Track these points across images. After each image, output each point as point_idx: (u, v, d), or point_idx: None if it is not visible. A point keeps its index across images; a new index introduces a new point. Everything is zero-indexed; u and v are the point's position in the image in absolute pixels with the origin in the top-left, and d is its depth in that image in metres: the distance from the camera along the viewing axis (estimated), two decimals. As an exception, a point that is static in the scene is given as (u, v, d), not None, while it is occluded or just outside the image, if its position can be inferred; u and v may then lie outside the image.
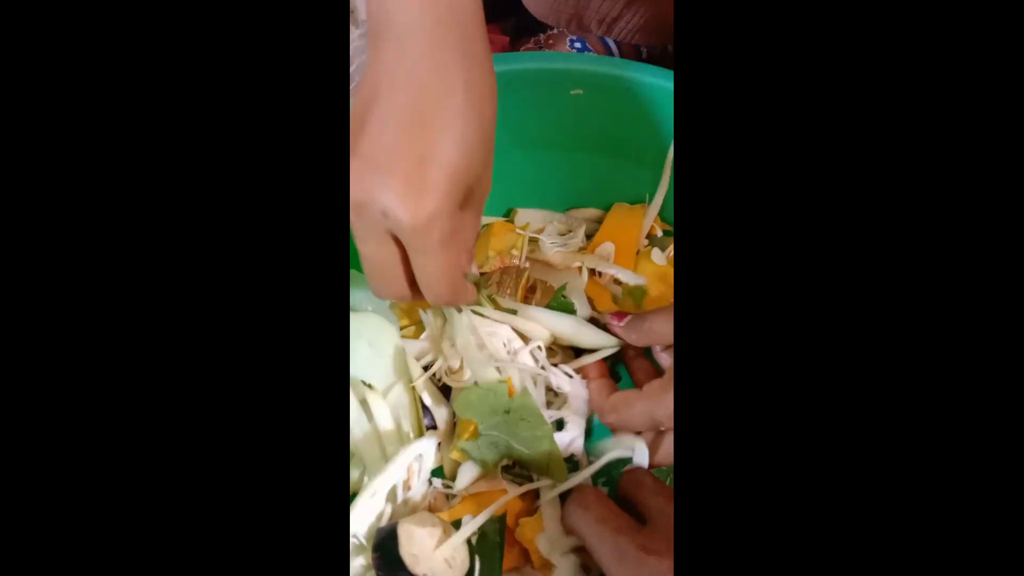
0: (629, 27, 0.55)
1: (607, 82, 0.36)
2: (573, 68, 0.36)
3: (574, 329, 0.37)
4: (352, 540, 0.32)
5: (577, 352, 0.38)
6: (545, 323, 0.38)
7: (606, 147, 0.41)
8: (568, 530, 0.29)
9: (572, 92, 0.37)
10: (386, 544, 0.30)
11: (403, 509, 0.33)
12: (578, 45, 0.56)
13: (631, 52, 0.57)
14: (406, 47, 0.22)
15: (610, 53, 0.57)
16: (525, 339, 0.38)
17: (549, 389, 0.37)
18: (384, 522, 0.33)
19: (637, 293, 0.41)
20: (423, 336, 0.39)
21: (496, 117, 0.25)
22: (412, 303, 0.38)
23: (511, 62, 0.36)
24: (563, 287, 0.40)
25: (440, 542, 0.31)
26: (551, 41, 0.58)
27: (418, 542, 0.30)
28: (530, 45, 0.58)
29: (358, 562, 0.32)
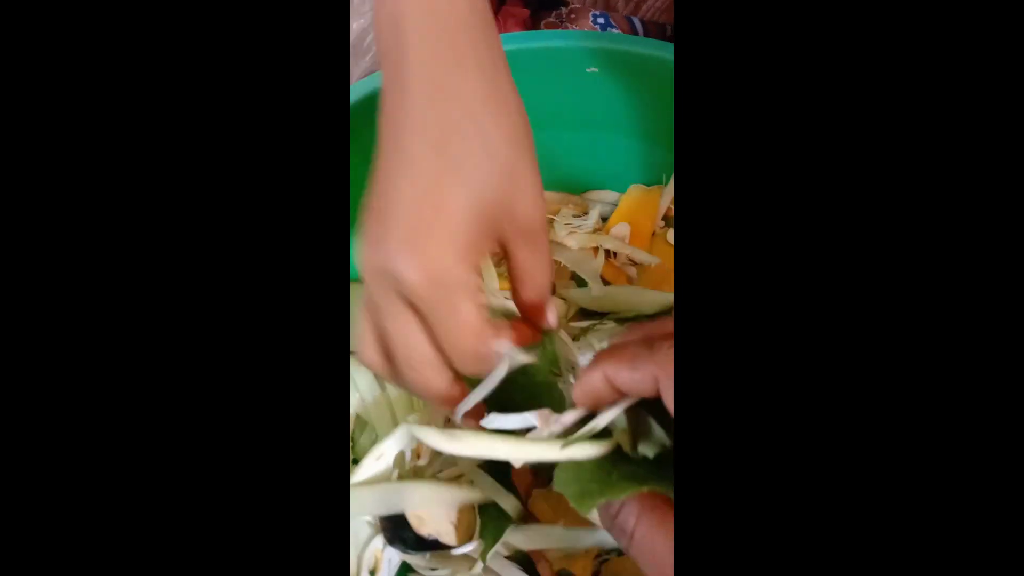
0: (657, 5, 0.54)
1: (622, 60, 0.36)
2: (589, 46, 0.36)
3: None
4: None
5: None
6: (571, 297, 0.39)
7: (622, 127, 0.41)
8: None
9: (588, 71, 0.37)
10: None
11: (409, 474, 0.35)
12: (601, 21, 0.55)
13: (656, 31, 0.56)
14: (410, 85, 0.21)
15: (635, 30, 0.56)
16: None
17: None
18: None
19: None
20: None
21: (528, 141, 0.23)
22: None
23: (525, 41, 0.36)
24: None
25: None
26: (573, 16, 0.58)
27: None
28: (552, 19, 0.58)
29: (369, 550, 0.33)
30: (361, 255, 0.22)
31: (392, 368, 0.24)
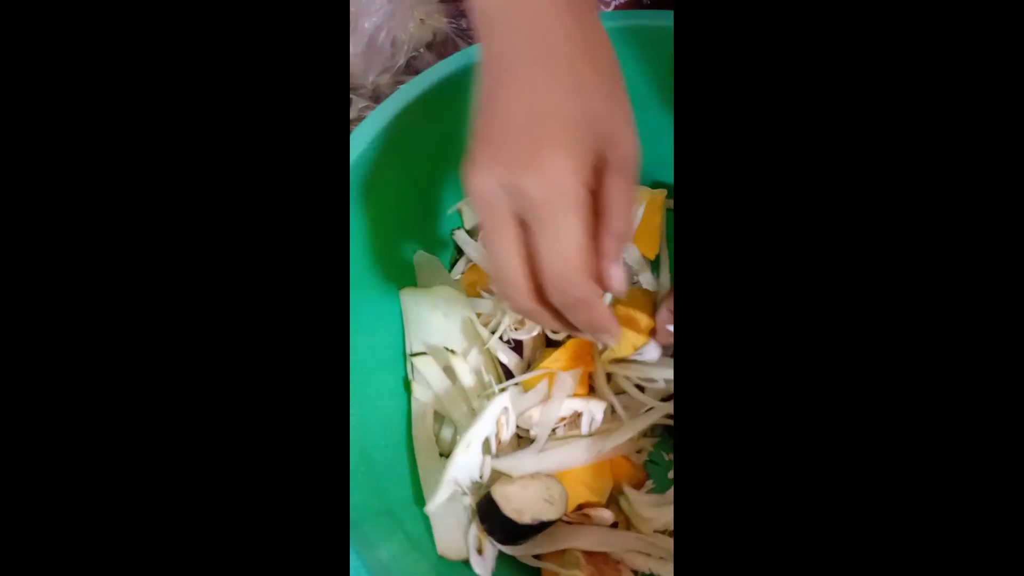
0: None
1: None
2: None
3: None
4: (457, 489, 0.35)
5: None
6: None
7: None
8: None
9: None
10: (490, 513, 0.33)
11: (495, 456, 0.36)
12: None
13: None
14: (503, 37, 0.22)
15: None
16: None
17: None
18: (482, 473, 0.36)
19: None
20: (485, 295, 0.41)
21: (618, 66, 0.23)
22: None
23: (622, 19, 0.37)
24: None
25: (531, 488, 0.34)
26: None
27: (514, 498, 0.33)
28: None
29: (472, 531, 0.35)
30: (472, 178, 0.22)
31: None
